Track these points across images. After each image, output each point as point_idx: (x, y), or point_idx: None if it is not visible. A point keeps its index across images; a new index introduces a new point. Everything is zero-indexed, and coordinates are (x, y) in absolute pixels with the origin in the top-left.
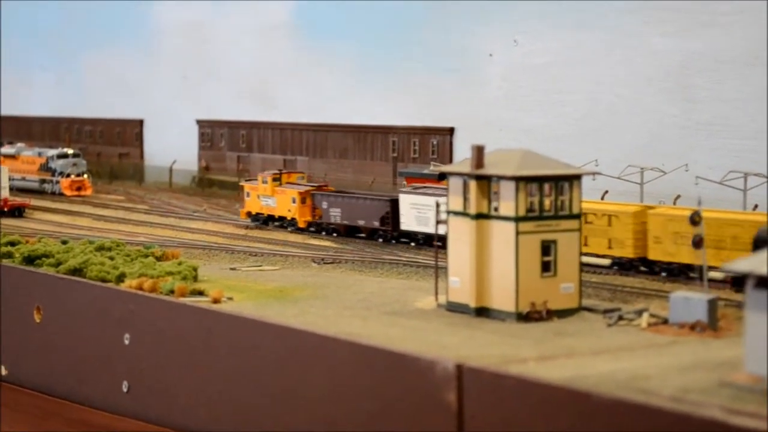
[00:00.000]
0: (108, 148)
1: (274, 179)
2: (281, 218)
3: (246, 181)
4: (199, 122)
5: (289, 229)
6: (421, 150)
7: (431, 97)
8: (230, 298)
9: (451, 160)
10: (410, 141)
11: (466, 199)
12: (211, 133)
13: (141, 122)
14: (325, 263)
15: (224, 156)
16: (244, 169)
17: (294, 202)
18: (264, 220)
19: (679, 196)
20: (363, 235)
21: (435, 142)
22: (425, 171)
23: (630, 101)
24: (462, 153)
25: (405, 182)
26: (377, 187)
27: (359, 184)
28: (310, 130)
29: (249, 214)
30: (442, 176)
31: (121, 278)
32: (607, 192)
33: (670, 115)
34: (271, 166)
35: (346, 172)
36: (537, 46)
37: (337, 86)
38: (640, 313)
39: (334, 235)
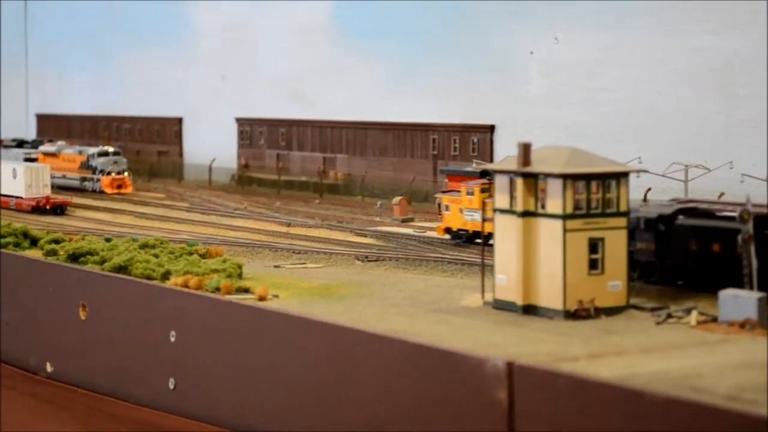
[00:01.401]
0: (147, 146)
1: (483, 190)
2: (491, 235)
3: (443, 192)
4: (238, 120)
5: None
6: (462, 148)
7: (471, 95)
8: (276, 296)
9: (491, 158)
10: (450, 139)
11: (512, 197)
12: (251, 131)
13: (180, 120)
14: (368, 261)
15: (263, 154)
16: (284, 167)
17: None
18: (468, 238)
19: (722, 194)
20: None
21: (475, 140)
22: (467, 168)
23: (671, 99)
24: (502, 151)
25: (446, 180)
26: (418, 186)
27: (399, 182)
28: (350, 128)
29: (448, 230)
30: (485, 174)
31: (166, 276)
32: (650, 189)
33: (713, 112)
34: (310, 165)
35: (386, 170)
36: (578, 44)
37: (376, 85)
38: (688, 311)
39: None
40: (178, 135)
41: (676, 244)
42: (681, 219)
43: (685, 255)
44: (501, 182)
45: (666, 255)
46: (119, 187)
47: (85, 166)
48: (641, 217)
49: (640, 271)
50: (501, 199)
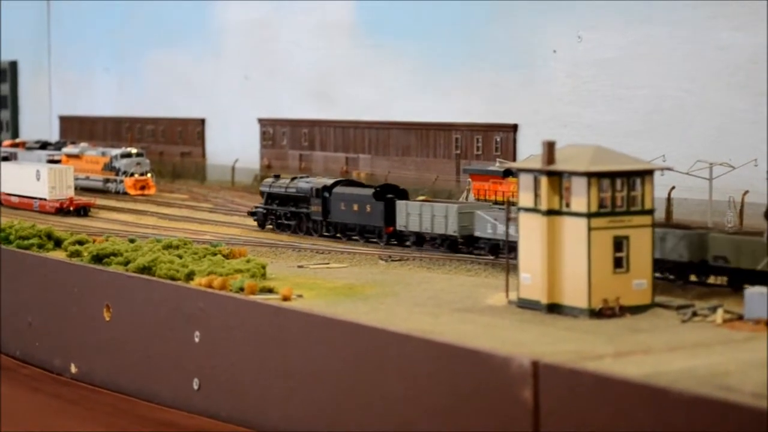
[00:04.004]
0: (170, 147)
1: None
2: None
3: None
4: (261, 121)
5: None
6: (485, 147)
7: (494, 94)
8: (300, 296)
9: (514, 157)
10: (473, 138)
11: (537, 195)
12: (273, 131)
13: (203, 121)
14: (392, 260)
15: (286, 154)
16: (306, 167)
17: None
18: None
19: (747, 192)
20: None
21: (498, 139)
22: (490, 168)
23: (697, 96)
24: (526, 150)
25: (469, 179)
26: (441, 186)
27: (422, 182)
28: (373, 128)
29: (251, 213)
30: (508, 173)
31: (190, 276)
32: (673, 188)
33: (739, 109)
34: (333, 165)
35: (409, 170)
36: (602, 42)
37: (399, 84)
38: (714, 309)
39: None
40: (201, 136)
41: (335, 206)
42: (337, 188)
43: (340, 213)
44: (525, 181)
45: (329, 214)
46: (142, 188)
47: (109, 167)
48: (313, 188)
49: (313, 227)
50: (525, 198)
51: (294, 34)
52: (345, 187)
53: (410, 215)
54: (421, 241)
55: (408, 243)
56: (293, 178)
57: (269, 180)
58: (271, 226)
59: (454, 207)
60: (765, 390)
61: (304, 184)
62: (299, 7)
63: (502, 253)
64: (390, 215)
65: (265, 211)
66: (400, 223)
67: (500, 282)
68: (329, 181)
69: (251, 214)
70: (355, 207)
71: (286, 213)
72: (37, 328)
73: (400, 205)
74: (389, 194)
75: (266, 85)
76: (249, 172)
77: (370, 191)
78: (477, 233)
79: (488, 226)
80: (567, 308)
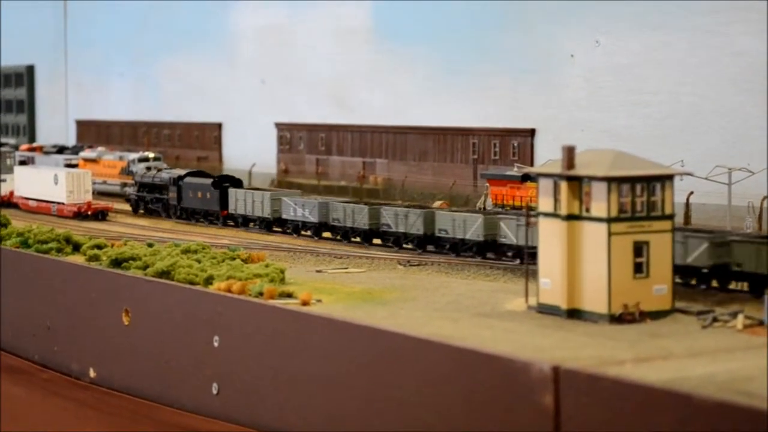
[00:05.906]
0: (187, 151)
1: None
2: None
3: None
4: (278, 125)
5: None
6: (502, 152)
7: (512, 99)
8: (319, 300)
9: (532, 162)
10: (491, 143)
11: (556, 200)
12: (290, 136)
13: (219, 125)
14: (411, 265)
15: (303, 159)
16: (323, 171)
17: None
18: None
19: (766, 197)
20: None
21: (516, 144)
22: (508, 172)
23: (714, 102)
24: (543, 155)
25: (487, 184)
26: (458, 190)
27: (439, 187)
28: (390, 132)
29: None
30: (526, 177)
31: (209, 281)
32: (692, 193)
33: (755, 115)
34: (350, 169)
35: (426, 175)
36: (619, 47)
37: (416, 89)
38: (734, 314)
39: None
40: (218, 140)
41: (185, 193)
42: (186, 178)
43: (189, 199)
44: (545, 186)
45: (181, 200)
46: None
47: (126, 171)
48: (170, 177)
49: (173, 211)
50: (545, 203)
51: (310, 39)
52: (193, 177)
53: (238, 201)
54: (246, 222)
55: (238, 223)
56: (159, 170)
57: (142, 171)
58: (142, 211)
59: (268, 194)
60: None
61: (165, 174)
62: (316, 12)
63: (302, 232)
64: (225, 201)
65: (137, 198)
66: (231, 208)
67: (519, 287)
68: (183, 172)
69: (127, 200)
70: (200, 194)
71: (152, 199)
72: (56, 332)
73: (231, 192)
74: (225, 183)
75: (283, 90)
76: (266, 177)
77: (209, 181)
78: (284, 216)
79: (291, 209)
80: (587, 313)
